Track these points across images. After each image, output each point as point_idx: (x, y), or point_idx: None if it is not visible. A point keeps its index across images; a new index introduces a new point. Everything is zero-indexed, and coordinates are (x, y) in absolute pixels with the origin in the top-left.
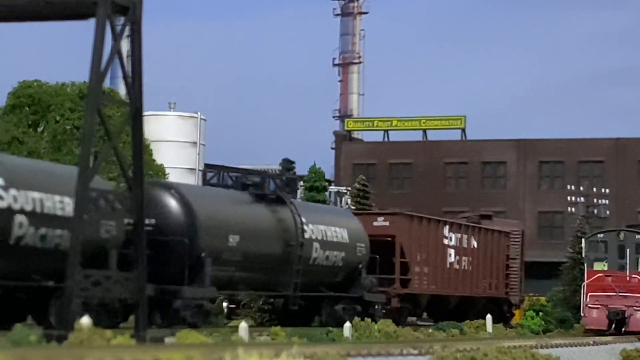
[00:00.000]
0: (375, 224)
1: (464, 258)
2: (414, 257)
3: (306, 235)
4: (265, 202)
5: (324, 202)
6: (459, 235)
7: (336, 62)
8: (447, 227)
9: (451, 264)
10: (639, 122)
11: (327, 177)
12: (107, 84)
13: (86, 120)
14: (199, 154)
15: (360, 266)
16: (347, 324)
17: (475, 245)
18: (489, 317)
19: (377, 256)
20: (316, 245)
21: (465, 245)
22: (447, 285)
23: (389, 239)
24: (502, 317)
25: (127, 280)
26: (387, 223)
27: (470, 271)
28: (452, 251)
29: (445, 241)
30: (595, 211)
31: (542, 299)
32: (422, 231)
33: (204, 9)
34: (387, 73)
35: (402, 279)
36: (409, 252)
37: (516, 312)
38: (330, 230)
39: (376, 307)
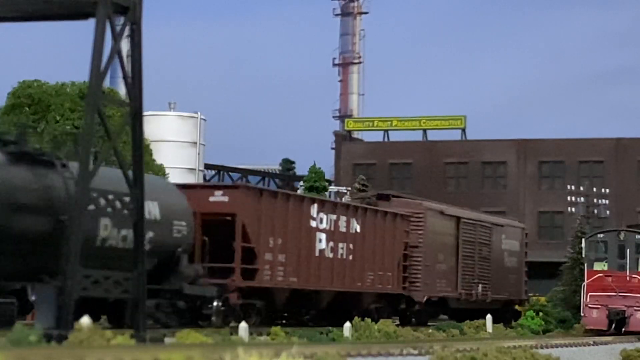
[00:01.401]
0: (212, 199)
1: (341, 245)
2: (263, 241)
3: (90, 207)
4: (26, 163)
5: None
6: (334, 216)
7: (336, 62)
8: (316, 206)
9: (322, 251)
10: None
11: (327, 177)
12: (107, 84)
13: (86, 120)
14: (198, 154)
15: (179, 250)
16: (347, 324)
17: (358, 230)
18: (489, 317)
19: (206, 238)
20: (105, 221)
21: (343, 229)
22: (315, 278)
23: (229, 218)
24: (404, 317)
25: (126, 280)
26: (226, 198)
27: (350, 261)
28: (322, 236)
29: (313, 223)
30: (595, 211)
31: (542, 299)
32: (276, 210)
33: (204, 9)
34: (387, 73)
35: (245, 268)
36: (257, 236)
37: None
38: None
39: (215, 304)
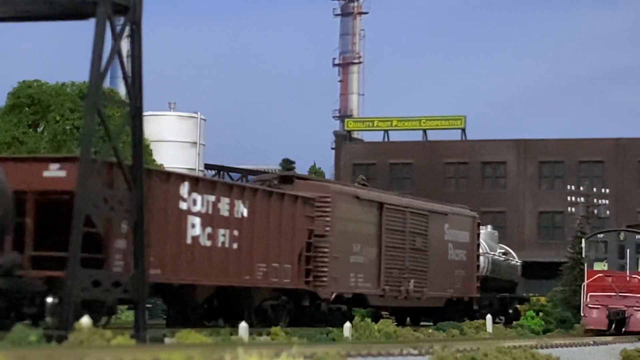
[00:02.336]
0: (46, 174)
1: (222, 231)
2: (114, 225)
3: None
4: None
5: None
6: (212, 198)
7: (336, 62)
8: (187, 184)
9: (195, 238)
10: (639, 122)
11: (327, 177)
12: (107, 84)
13: (86, 120)
14: (198, 154)
15: None
16: (347, 324)
17: (246, 214)
18: (489, 317)
19: (29, 220)
20: None
21: (225, 212)
22: (187, 271)
23: (67, 197)
24: (309, 316)
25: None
26: (63, 173)
27: (236, 251)
28: (196, 220)
29: (183, 205)
30: (595, 211)
31: (542, 299)
32: None
33: (204, 9)
34: (387, 73)
35: (87, 258)
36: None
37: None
38: None
39: (49, 300)
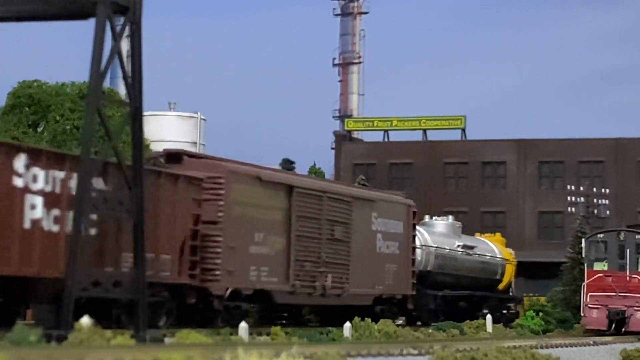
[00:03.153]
0: None
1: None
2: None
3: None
4: None
5: None
6: (61, 174)
7: (336, 62)
8: (23, 157)
9: (36, 222)
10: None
11: (327, 177)
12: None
13: (86, 120)
14: None
15: None
16: (347, 324)
17: None
18: (489, 317)
19: None
20: None
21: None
22: (22, 261)
23: None
24: (200, 315)
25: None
26: None
27: (94, 238)
28: (37, 200)
29: (18, 182)
30: (595, 211)
31: (542, 299)
32: None
33: (204, 8)
34: (387, 73)
35: None
36: None
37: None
38: None
39: None
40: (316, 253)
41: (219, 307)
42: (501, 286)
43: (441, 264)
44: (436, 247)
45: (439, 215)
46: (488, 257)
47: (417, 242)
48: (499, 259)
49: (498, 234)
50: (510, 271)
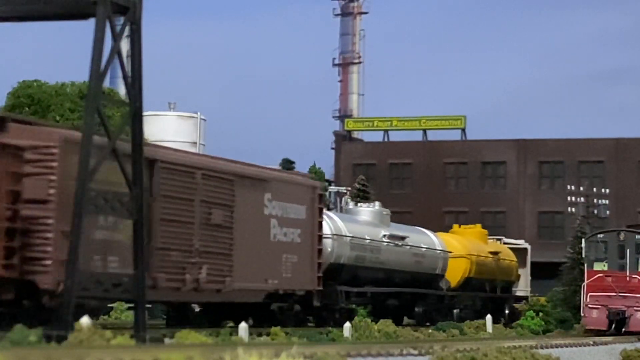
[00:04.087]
0: None
1: None
2: None
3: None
4: None
5: None
6: None
7: (336, 62)
8: None
9: None
10: (639, 122)
11: (327, 177)
12: (107, 84)
13: (86, 120)
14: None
15: None
16: (347, 324)
17: None
18: (489, 317)
19: None
20: None
21: None
22: None
23: None
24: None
25: (126, 280)
26: None
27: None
28: None
29: None
30: (595, 211)
31: (542, 299)
32: None
33: (204, 9)
34: (387, 73)
35: None
36: None
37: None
38: None
39: None
40: (187, 240)
41: (51, 304)
42: (454, 283)
43: (360, 256)
44: (352, 236)
45: (438, 215)
46: (424, 249)
47: (327, 230)
48: (438, 251)
49: (478, 225)
50: (463, 266)
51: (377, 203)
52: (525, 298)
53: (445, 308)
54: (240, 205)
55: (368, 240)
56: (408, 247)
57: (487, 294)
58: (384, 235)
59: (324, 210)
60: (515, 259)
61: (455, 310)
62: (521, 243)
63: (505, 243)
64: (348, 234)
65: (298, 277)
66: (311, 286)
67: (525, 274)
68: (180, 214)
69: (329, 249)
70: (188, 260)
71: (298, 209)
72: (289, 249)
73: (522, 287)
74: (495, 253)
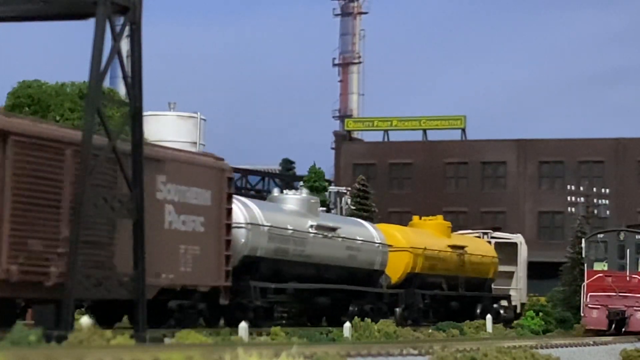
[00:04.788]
0: None
1: None
2: None
3: None
4: None
5: (324, 202)
6: None
7: (336, 62)
8: None
9: None
10: (639, 122)
11: (327, 177)
12: (107, 84)
13: (86, 120)
14: None
15: None
16: (347, 324)
17: None
18: (489, 317)
19: None
20: None
21: None
22: None
23: None
24: None
25: (127, 280)
26: None
27: None
28: None
29: None
30: (595, 211)
31: (542, 299)
32: None
33: (204, 9)
34: (387, 73)
35: None
36: None
37: None
38: None
39: None
40: (52, 227)
41: None
42: (395, 279)
43: (281, 249)
44: (270, 225)
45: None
46: (359, 242)
47: (241, 219)
48: (376, 244)
49: (439, 217)
50: (405, 260)
51: (304, 190)
52: (506, 297)
53: (384, 307)
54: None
55: (291, 231)
56: (340, 239)
57: (443, 292)
58: (311, 226)
59: (239, 197)
60: (494, 255)
61: (397, 310)
62: (513, 237)
63: (493, 237)
64: (266, 223)
65: (200, 272)
66: (217, 282)
67: (517, 270)
68: (44, 196)
69: (242, 240)
70: (54, 250)
71: (201, 194)
72: (188, 239)
73: (513, 285)
74: (459, 247)
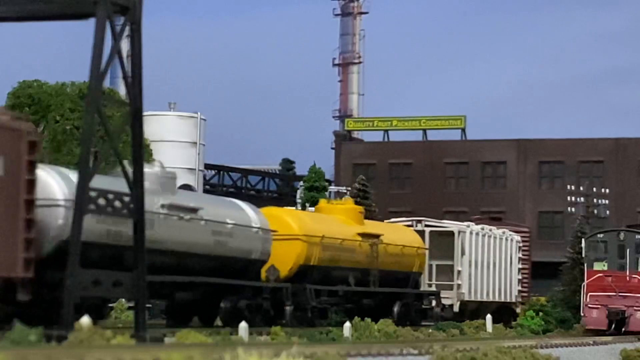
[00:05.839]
0: None
1: None
2: None
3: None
4: None
5: None
6: None
7: (336, 62)
8: None
9: None
10: (639, 122)
11: (327, 177)
12: (107, 84)
13: (86, 120)
14: (199, 154)
15: None
16: (347, 324)
17: None
18: (489, 317)
19: None
20: None
21: None
22: None
23: None
24: None
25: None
26: None
27: None
28: None
29: None
30: (595, 211)
31: (542, 299)
32: None
33: (204, 8)
34: (387, 73)
35: None
36: None
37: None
38: None
39: None
40: None
41: None
42: (284, 272)
43: (118, 232)
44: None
45: (438, 216)
46: (230, 226)
47: (58, 194)
48: (254, 229)
49: (349, 200)
50: (297, 250)
51: (157, 163)
52: (434, 293)
53: (266, 303)
54: None
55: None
56: (202, 222)
57: (348, 288)
58: (163, 205)
59: (59, 168)
60: (421, 245)
61: (287, 308)
62: (451, 226)
63: (428, 225)
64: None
65: None
66: (12, 272)
67: (455, 264)
68: None
69: (60, 221)
70: None
71: None
72: None
73: (453, 281)
74: (372, 236)
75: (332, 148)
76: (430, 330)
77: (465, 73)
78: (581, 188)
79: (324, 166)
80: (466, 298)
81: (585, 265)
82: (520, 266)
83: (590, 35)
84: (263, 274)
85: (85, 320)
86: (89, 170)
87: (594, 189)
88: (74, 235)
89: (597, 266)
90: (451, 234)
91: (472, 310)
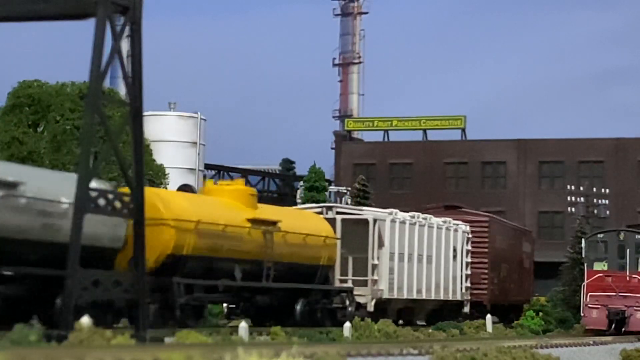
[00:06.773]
0: None
1: None
2: None
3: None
4: None
5: (324, 202)
6: None
7: (336, 62)
8: None
9: None
10: (639, 122)
11: (327, 177)
12: (107, 84)
13: (86, 120)
14: (199, 154)
15: None
16: (347, 324)
17: None
18: (488, 317)
19: None
20: None
21: None
22: None
23: None
24: None
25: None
26: None
27: None
28: None
29: None
30: (595, 211)
31: (542, 299)
32: None
33: (204, 8)
34: (387, 73)
35: None
36: None
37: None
38: None
39: None
40: None
41: None
42: (150, 263)
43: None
44: None
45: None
46: (64, 205)
47: None
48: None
49: (239, 181)
50: (165, 237)
51: None
52: (345, 290)
53: (122, 301)
54: None
55: None
56: (24, 199)
57: (232, 283)
58: None
59: None
60: (330, 234)
61: (152, 306)
62: (365, 213)
63: (339, 213)
64: None
65: None
66: None
67: (370, 257)
68: None
69: None
70: None
71: None
72: None
73: (368, 276)
74: (265, 222)
75: (332, 148)
76: (430, 330)
77: (465, 73)
78: (581, 188)
79: (324, 166)
80: (385, 296)
81: (585, 265)
82: (470, 260)
83: (590, 35)
84: (123, 263)
85: (85, 320)
86: (89, 170)
87: (594, 189)
88: (74, 234)
89: (597, 266)
90: (366, 222)
91: (401, 310)
